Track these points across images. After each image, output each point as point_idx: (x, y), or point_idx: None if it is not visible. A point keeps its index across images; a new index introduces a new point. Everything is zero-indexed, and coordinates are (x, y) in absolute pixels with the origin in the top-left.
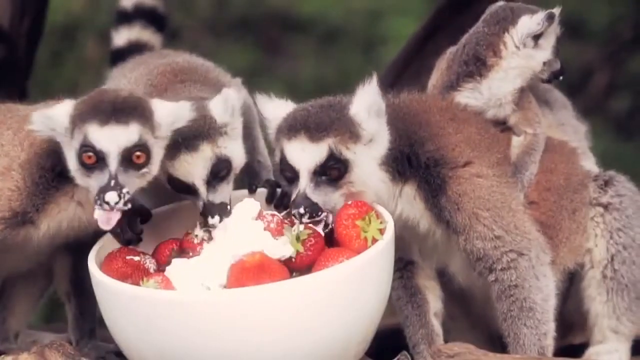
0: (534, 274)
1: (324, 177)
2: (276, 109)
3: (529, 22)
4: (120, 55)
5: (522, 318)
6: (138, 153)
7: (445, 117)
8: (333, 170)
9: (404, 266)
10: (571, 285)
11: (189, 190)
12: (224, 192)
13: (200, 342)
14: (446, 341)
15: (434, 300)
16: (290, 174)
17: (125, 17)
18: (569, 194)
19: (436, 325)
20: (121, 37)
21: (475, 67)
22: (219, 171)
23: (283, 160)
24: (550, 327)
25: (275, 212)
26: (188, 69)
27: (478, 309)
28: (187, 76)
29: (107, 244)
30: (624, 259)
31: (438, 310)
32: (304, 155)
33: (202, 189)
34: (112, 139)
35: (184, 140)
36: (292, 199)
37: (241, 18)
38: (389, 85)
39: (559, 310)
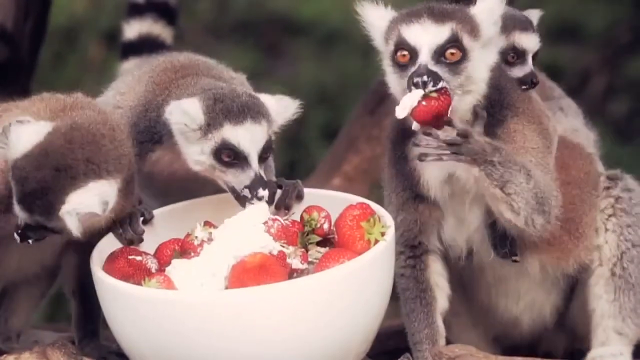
0: None
1: (443, 59)
2: (381, 14)
3: None
4: (130, 49)
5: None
6: None
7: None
8: (453, 54)
9: (419, 255)
10: (576, 287)
11: (236, 161)
12: (266, 172)
13: (201, 342)
14: (448, 340)
15: (442, 299)
16: (404, 59)
17: (136, 10)
18: (589, 188)
19: (441, 325)
20: (132, 29)
21: None
22: (267, 151)
23: (399, 44)
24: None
25: (278, 217)
26: (189, 65)
27: (482, 300)
28: (189, 71)
29: (109, 244)
30: (632, 257)
31: (444, 310)
32: (426, 34)
33: (255, 160)
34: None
35: (249, 111)
36: (409, 74)
37: (242, 21)
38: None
39: (562, 314)
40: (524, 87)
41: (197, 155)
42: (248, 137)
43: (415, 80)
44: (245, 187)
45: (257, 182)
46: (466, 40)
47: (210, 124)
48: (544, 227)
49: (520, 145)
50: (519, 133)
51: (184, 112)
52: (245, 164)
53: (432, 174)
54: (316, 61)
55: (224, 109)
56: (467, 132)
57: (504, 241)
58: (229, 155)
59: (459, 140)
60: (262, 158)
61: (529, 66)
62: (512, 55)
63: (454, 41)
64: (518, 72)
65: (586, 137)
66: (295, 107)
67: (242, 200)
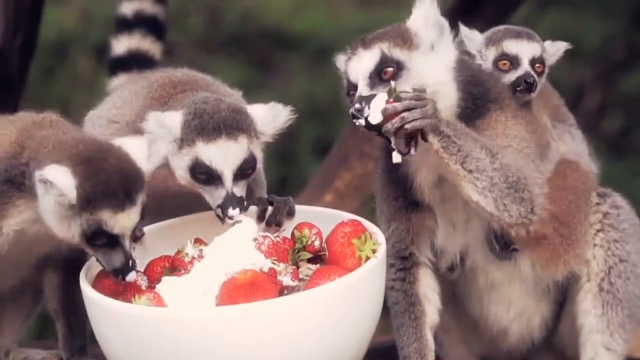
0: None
1: (378, 80)
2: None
3: None
4: (119, 64)
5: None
6: None
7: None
8: (387, 72)
9: (409, 267)
10: (565, 304)
11: (210, 179)
12: (244, 189)
13: (191, 359)
14: (437, 356)
15: (432, 313)
16: (352, 92)
17: (125, 25)
18: (585, 198)
19: (430, 339)
20: (121, 45)
21: None
22: (246, 168)
23: (347, 85)
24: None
25: (268, 234)
26: (187, 80)
27: (473, 310)
28: (187, 86)
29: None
30: (620, 273)
31: (434, 323)
32: (360, 64)
33: (229, 179)
34: None
35: (225, 127)
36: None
37: (233, 35)
38: None
39: (551, 331)
40: (518, 89)
41: (178, 169)
42: (221, 155)
43: (351, 112)
44: (218, 206)
45: (228, 201)
46: (397, 54)
47: (184, 140)
48: (526, 216)
49: (500, 132)
50: (500, 123)
51: (160, 124)
52: (219, 182)
53: (424, 177)
54: (308, 75)
55: (198, 126)
56: (426, 95)
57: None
58: (202, 173)
59: (428, 101)
60: (242, 175)
61: (522, 69)
62: (503, 62)
63: (384, 60)
64: (511, 76)
65: (587, 164)
66: (287, 115)
67: (220, 218)
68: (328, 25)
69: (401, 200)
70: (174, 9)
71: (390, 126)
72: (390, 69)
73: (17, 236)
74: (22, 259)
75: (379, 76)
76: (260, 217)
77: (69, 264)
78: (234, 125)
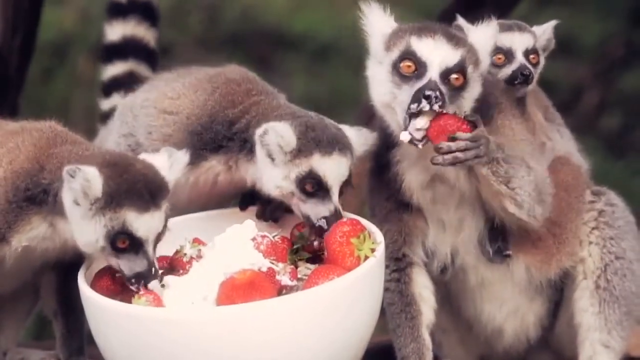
0: None
1: (447, 82)
2: (386, 20)
3: None
4: (114, 51)
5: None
6: None
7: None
8: (458, 79)
9: (403, 268)
10: (561, 304)
11: (318, 191)
12: None
13: (190, 359)
14: (436, 356)
15: (427, 312)
16: (409, 70)
17: (119, 11)
18: (576, 194)
19: (427, 339)
20: (115, 31)
21: None
22: (347, 184)
23: (407, 54)
24: None
25: (266, 234)
26: (247, 79)
27: (468, 310)
28: (250, 85)
29: (96, 262)
30: (616, 270)
31: (430, 322)
32: (438, 52)
33: (337, 194)
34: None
35: (337, 143)
36: (415, 90)
37: (233, 34)
38: None
39: (547, 329)
40: (515, 82)
41: (279, 179)
42: (334, 169)
43: (427, 93)
44: (323, 217)
45: (333, 216)
46: (470, 70)
47: (301, 150)
48: (543, 216)
49: (511, 137)
50: (508, 128)
51: (279, 135)
52: (327, 196)
53: (414, 178)
54: (308, 75)
55: (315, 138)
56: (482, 133)
57: (497, 236)
58: (312, 186)
59: (482, 141)
60: (340, 192)
61: (517, 62)
62: (498, 56)
63: (461, 67)
64: (507, 70)
65: (578, 160)
66: (373, 139)
67: (316, 230)
68: (328, 24)
69: (392, 202)
70: (173, 8)
71: (440, 160)
72: (461, 82)
73: (25, 250)
74: (27, 267)
75: (448, 77)
76: (259, 215)
77: (67, 264)
78: (343, 141)
